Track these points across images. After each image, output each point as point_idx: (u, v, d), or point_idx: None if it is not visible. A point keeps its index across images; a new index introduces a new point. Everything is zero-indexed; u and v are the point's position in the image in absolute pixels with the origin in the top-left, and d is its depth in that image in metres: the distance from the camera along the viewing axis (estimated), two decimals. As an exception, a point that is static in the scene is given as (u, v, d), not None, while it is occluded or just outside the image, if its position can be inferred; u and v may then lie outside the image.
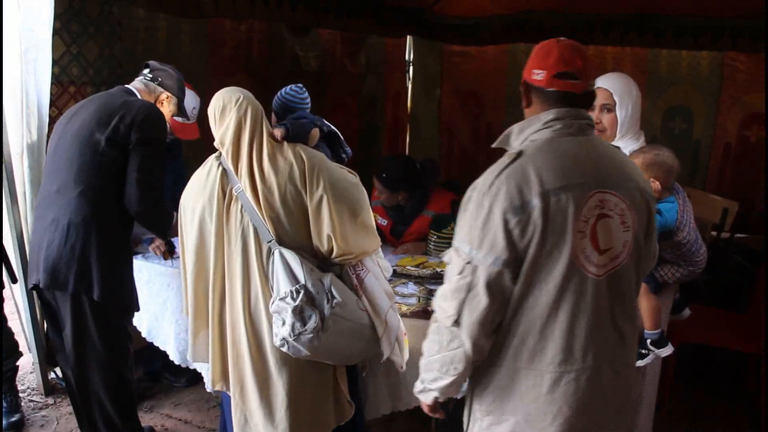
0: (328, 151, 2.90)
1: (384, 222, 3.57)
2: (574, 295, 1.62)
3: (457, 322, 1.63)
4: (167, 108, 2.86)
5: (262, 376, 2.17)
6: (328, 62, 5.75)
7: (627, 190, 1.67)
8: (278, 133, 2.18)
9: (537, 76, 1.69)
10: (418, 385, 1.83)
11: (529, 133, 1.69)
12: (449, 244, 3.19)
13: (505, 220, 1.57)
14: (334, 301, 2.03)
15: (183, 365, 3.16)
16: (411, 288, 2.81)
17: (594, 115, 2.47)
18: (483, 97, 7.38)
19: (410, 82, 7.44)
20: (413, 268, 2.99)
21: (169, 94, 2.85)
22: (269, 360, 2.16)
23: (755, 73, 6.80)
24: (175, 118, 3.03)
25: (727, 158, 7.05)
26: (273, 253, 2.07)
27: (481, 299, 1.60)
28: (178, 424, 3.42)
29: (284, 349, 2.04)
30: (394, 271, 2.99)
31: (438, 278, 2.94)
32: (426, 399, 1.82)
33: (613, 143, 2.47)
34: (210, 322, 2.24)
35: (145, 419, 3.37)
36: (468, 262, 1.60)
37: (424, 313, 2.59)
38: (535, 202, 1.57)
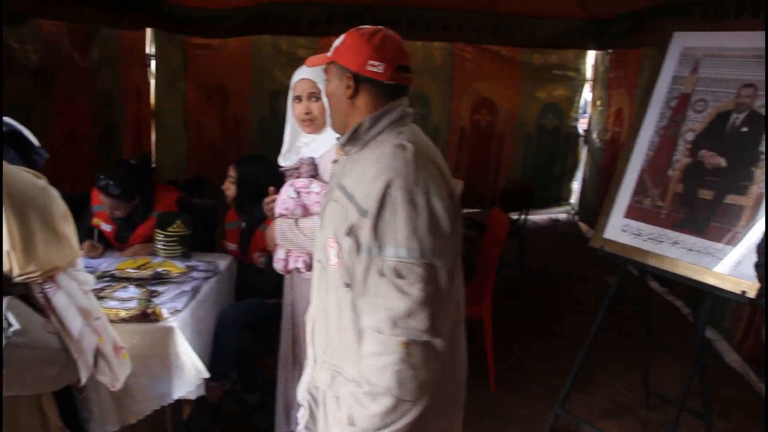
0: (14, 154, 2.58)
1: (108, 228, 3.32)
2: (459, 266, 1.67)
3: (434, 332, 1.52)
4: None
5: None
6: (53, 56, 5.26)
7: None
8: None
9: (374, 68, 1.61)
10: None
11: (383, 126, 1.64)
12: (177, 242, 3.12)
13: (445, 210, 1.54)
14: (11, 329, 1.78)
15: None
16: (131, 291, 2.64)
17: (303, 105, 2.50)
18: (229, 90, 7.28)
19: (153, 77, 7.10)
20: (133, 271, 2.82)
21: None
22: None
23: (480, 62, 7.44)
24: None
25: (463, 141, 7.65)
26: None
27: (445, 296, 1.56)
28: None
29: None
30: (113, 275, 2.81)
31: (160, 278, 2.81)
32: None
33: (323, 132, 2.53)
34: None
35: None
36: (428, 265, 1.51)
37: (144, 316, 2.46)
38: (450, 184, 1.62)
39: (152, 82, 7.11)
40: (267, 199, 2.63)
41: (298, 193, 2.47)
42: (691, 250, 2.85)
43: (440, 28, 7.12)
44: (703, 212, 2.85)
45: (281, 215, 2.51)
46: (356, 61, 1.62)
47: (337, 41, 1.69)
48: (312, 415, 1.82)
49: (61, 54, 5.28)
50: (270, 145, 7.20)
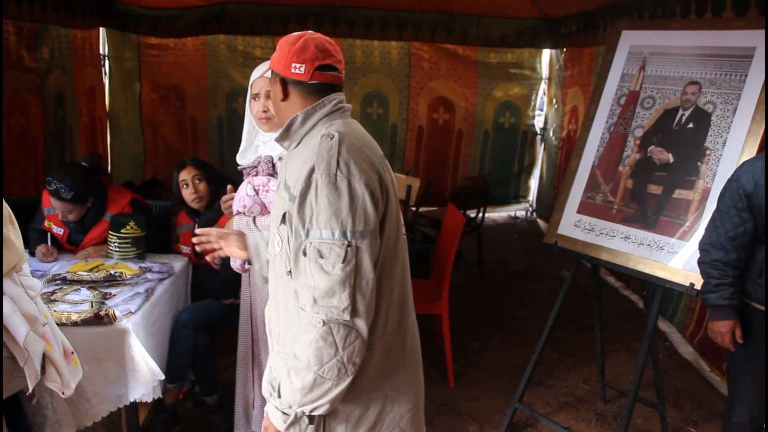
0: None
1: (60, 231, 3.26)
2: (402, 254, 1.75)
3: (354, 311, 1.56)
4: None
5: None
6: (-1, 55, 5.13)
7: None
8: None
9: (297, 70, 1.68)
10: (284, 416, 1.66)
11: (317, 119, 1.71)
12: (131, 244, 3.08)
13: (370, 193, 1.58)
14: None
15: None
16: (84, 294, 2.60)
17: (260, 103, 2.50)
18: (184, 91, 7.19)
19: (107, 77, 6.98)
20: (86, 273, 2.77)
21: None
22: None
23: (437, 61, 7.49)
24: None
25: (421, 139, 7.69)
26: None
27: (369, 277, 1.58)
28: None
29: None
30: (65, 278, 2.76)
31: (113, 280, 2.77)
32: (301, 426, 1.68)
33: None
34: None
35: None
36: (349, 246, 1.55)
37: (96, 318, 2.42)
38: (380, 173, 1.66)
39: (106, 82, 6.99)
40: (225, 197, 2.62)
41: (256, 191, 2.46)
42: (641, 244, 2.91)
43: (397, 28, 7.16)
44: (653, 207, 2.92)
45: (239, 213, 2.51)
46: (281, 65, 1.71)
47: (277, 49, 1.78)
48: None
49: (8, 54, 5.15)
50: (228, 145, 7.16)
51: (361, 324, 1.58)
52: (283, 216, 1.64)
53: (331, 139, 1.62)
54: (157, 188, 5.93)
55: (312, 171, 1.58)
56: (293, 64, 1.69)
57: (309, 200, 1.57)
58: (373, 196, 1.59)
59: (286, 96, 1.73)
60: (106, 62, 6.94)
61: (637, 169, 3.04)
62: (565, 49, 7.18)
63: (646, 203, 2.96)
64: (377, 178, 1.64)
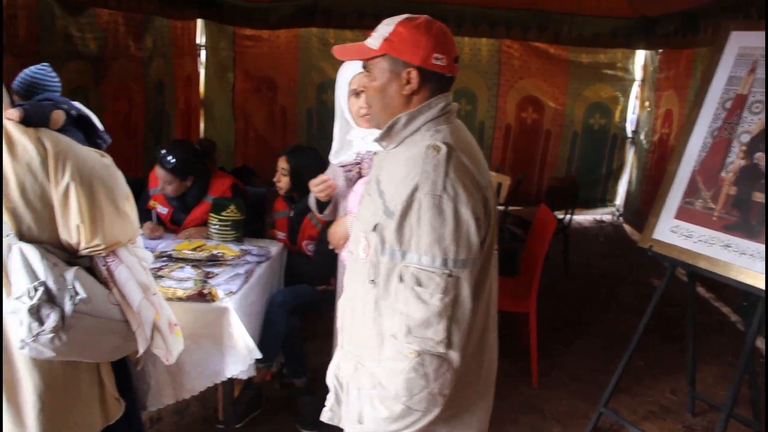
0: (80, 136, 2.67)
1: (165, 210, 3.42)
2: (492, 272, 1.62)
3: (449, 344, 1.48)
4: None
5: (9, 380, 1.98)
6: (110, 45, 5.40)
7: None
8: (13, 114, 1.93)
9: (439, 61, 1.54)
10: None
11: (420, 123, 1.57)
12: (230, 227, 3.19)
13: (475, 219, 1.47)
14: (78, 297, 1.86)
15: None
16: (188, 272, 2.72)
17: (362, 99, 2.34)
18: (276, 82, 7.37)
19: (202, 67, 7.23)
20: (189, 252, 2.90)
21: None
22: (16, 362, 1.97)
23: (527, 60, 7.40)
24: None
25: (509, 138, 7.63)
26: (11, 249, 1.88)
27: (467, 308, 1.49)
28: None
29: (25, 351, 1.86)
30: (170, 256, 2.89)
31: (215, 260, 2.88)
32: None
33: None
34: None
35: None
36: (450, 276, 1.45)
37: (200, 296, 2.52)
38: (485, 196, 1.53)
39: (202, 72, 7.25)
40: (315, 180, 2.47)
41: None
42: (744, 253, 2.81)
43: (488, 25, 7.12)
44: (758, 216, 2.81)
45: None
46: (419, 54, 1.53)
47: (383, 32, 1.58)
48: (337, 399, 1.83)
49: (117, 42, 5.42)
50: (317, 136, 7.29)
51: (455, 356, 1.49)
52: (376, 226, 1.54)
53: (438, 152, 1.49)
54: (249, 175, 6.10)
55: (415, 189, 1.46)
56: (435, 54, 1.53)
57: (409, 221, 1.47)
58: (478, 222, 1.48)
59: (418, 90, 1.56)
60: (203, 52, 7.20)
61: (742, 176, 2.93)
62: (661, 51, 6.97)
63: (751, 212, 2.85)
64: (482, 200, 1.51)
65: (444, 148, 1.49)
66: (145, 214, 3.39)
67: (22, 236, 1.90)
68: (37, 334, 1.82)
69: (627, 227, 7.55)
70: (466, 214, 1.46)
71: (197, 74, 7.17)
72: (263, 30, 7.19)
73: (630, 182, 7.71)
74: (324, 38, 7.24)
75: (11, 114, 1.93)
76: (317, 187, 2.43)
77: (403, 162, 1.54)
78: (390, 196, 1.52)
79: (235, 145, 7.51)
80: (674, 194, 3.16)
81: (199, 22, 7.03)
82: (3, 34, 2.56)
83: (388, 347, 1.53)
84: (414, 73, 1.55)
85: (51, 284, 1.84)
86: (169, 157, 3.20)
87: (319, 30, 7.21)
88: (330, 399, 1.86)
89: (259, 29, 7.19)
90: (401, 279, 1.49)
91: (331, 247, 2.50)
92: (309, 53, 7.26)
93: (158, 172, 3.28)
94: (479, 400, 1.72)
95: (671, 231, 3.10)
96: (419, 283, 1.46)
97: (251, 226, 3.48)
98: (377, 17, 1.81)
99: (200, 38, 7.13)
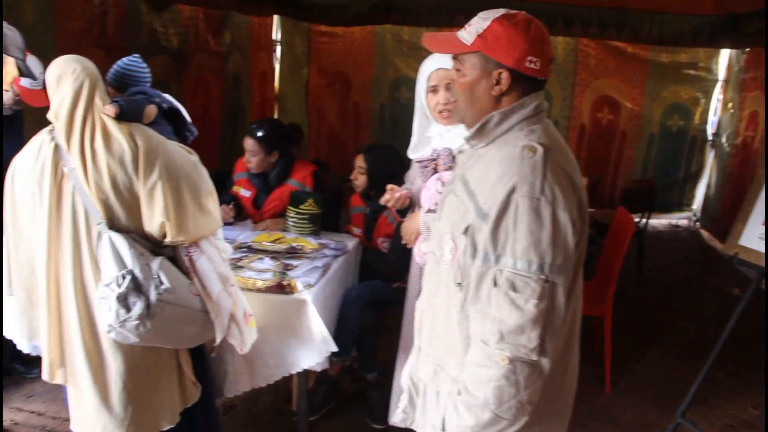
0: (169, 128, 2.74)
1: (247, 193, 3.53)
2: (581, 273, 1.57)
3: (543, 352, 1.43)
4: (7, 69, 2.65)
5: (96, 361, 2.07)
6: (190, 40, 5.56)
7: None
8: (110, 110, 2.01)
9: (533, 64, 1.47)
10: None
11: (514, 122, 1.51)
12: (308, 220, 3.23)
13: (572, 223, 1.43)
14: (162, 287, 1.95)
15: (33, 354, 2.97)
16: (267, 263, 2.77)
17: (441, 95, 2.37)
18: (350, 77, 7.42)
19: (278, 62, 7.35)
20: (269, 244, 2.95)
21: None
22: (103, 344, 2.06)
23: (603, 59, 7.25)
24: (22, 82, 2.79)
25: (582, 138, 7.49)
26: (102, 237, 1.97)
27: (561, 314, 1.45)
28: (30, 417, 3.20)
29: (112, 336, 1.96)
30: (250, 247, 2.95)
31: (293, 252, 2.93)
32: None
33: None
34: (45, 303, 2.10)
35: (-8, 415, 3.14)
36: (546, 281, 1.41)
37: (279, 288, 2.56)
38: (580, 197, 1.49)
39: (277, 67, 7.37)
40: (383, 200, 2.54)
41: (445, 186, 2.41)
42: (838, 263, 2.68)
43: (564, 24, 6.98)
44: None
45: (429, 210, 2.36)
46: (513, 56, 1.46)
47: (478, 27, 1.51)
48: (411, 402, 1.81)
49: (197, 38, 5.58)
50: (389, 132, 7.32)
51: (546, 363, 1.44)
52: (467, 228, 1.48)
53: (535, 153, 1.44)
54: (322, 169, 6.16)
55: (512, 191, 1.41)
56: (530, 57, 1.46)
57: (505, 224, 1.41)
58: (574, 225, 1.43)
59: (507, 91, 1.50)
60: (278, 48, 7.31)
61: (839, 182, 2.80)
62: (747, 50, 6.69)
63: None
64: (577, 202, 1.46)
65: (540, 149, 1.45)
66: (227, 197, 3.52)
67: (112, 225, 1.99)
68: (124, 321, 1.91)
69: (704, 233, 7.30)
70: (564, 218, 1.41)
71: (272, 69, 7.29)
72: (338, 26, 7.26)
73: (709, 186, 7.45)
74: (398, 35, 7.26)
75: (108, 110, 2.02)
76: (388, 203, 2.51)
77: (496, 162, 1.48)
78: (483, 197, 1.47)
79: (308, 140, 7.61)
80: (763, 199, 3.04)
81: (276, 18, 7.15)
82: (2, 32, 2.67)
83: (476, 352, 1.49)
84: (505, 75, 1.49)
85: (138, 273, 1.92)
86: (259, 130, 3.37)
87: (393, 27, 7.23)
88: (403, 401, 1.84)
89: (333, 26, 7.26)
90: (495, 283, 1.44)
91: (403, 242, 2.51)
92: (384, 50, 7.29)
93: (246, 143, 3.42)
94: (561, 406, 1.68)
95: (759, 238, 2.98)
96: (514, 288, 1.42)
97: (327, 220, 3.53)
98: (452, 15, 1.79)
99: (276, 34, 7.25)
